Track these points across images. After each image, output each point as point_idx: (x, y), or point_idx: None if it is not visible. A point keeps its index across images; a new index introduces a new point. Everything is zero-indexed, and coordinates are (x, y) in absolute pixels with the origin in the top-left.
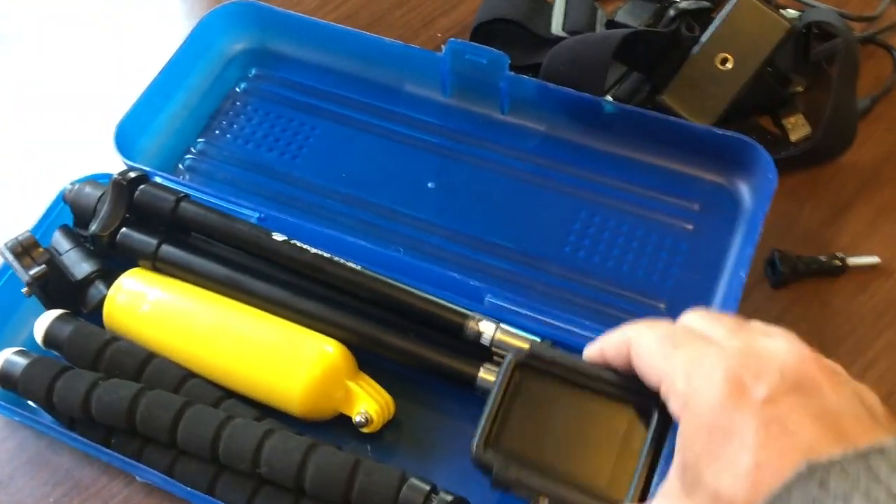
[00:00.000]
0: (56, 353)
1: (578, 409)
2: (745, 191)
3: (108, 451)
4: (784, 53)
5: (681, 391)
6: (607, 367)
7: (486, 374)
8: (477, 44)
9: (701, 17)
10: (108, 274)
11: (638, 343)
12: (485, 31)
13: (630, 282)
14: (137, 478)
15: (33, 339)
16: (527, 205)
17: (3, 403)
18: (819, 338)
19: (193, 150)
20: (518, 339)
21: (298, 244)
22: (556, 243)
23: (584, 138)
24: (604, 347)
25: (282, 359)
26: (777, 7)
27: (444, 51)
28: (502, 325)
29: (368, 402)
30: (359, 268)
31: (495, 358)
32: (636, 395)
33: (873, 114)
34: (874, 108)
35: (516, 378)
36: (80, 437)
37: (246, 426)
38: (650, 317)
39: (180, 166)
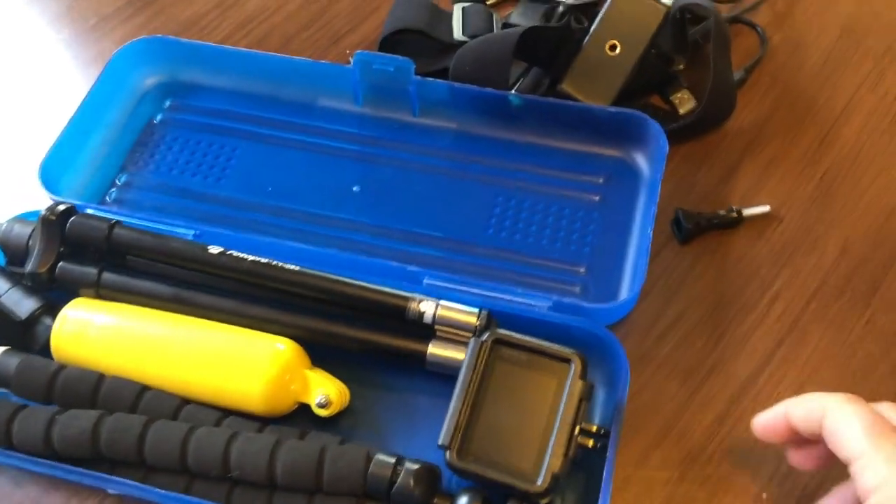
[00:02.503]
0: (3, 388)
1: (532, 386)
2: (641, 160)
3: (77, 469)
4: (664, 36)
5: (882, 474)
6: (785, 427)
7: (435, 349)
8: (382, 53)
9: (587, 11)
10: (53, 308)
11: (842, 418)
12: (391, 43)
13: (550, 252)
14: (109, 490)
15: None
16: (448, 196)
17: None
18: (727, 282)
19: (118, 183)
20: (458, 313)
21: (235, 254)
22: (480, 227)
23: (494, 131)
24: (792, 410)
25: (237, 363)
26: None
27: (352, 63)
28: (442, 302)
29: (326, 385)
30: (298, 268)
31: (438, 334)
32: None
33: (748, 83)
34: (748, 78)
35: (482, 360)
36: (44, 462)
37: (209, 436)
38: (569, 293)
39: (107, 199)
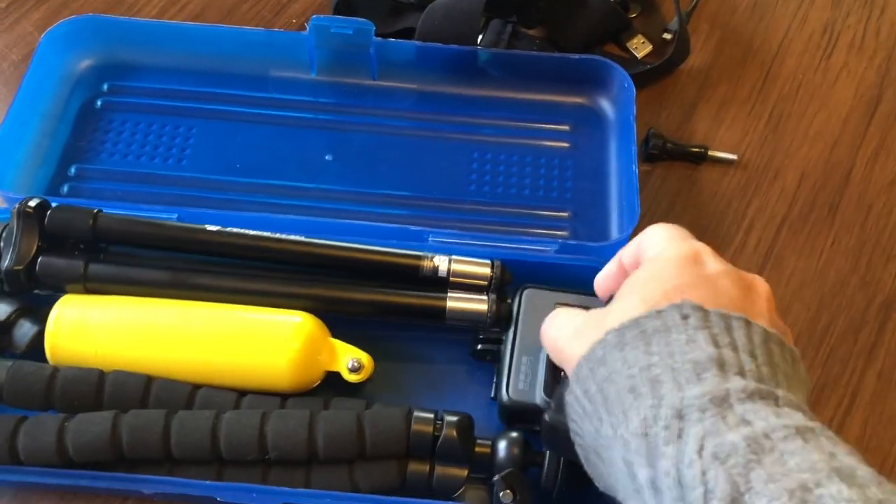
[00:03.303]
0: None
1: None
2: (606, 105)
3: (103, 474)
4: None
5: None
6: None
7: (454, 303)
8: (339, 16)
9: None
10: (30, 310)
11: (651, 232)
12: (344, 6)
13: (534, 201)
14: (145, 491)
15: None
16: (424, 157)
17: None
18: (705, 217)
19: (70, 175)
20: (472, 265)
21: (236, 230)
22: (461, 184)
23: (457, 88)
24: (622, 254)
25: (258, 341)
26: None
27: (308, 28)
28: (454, 256)
29: (354, 351)
30: (304, 238)
31: (453, 288)
32: None
33: (690, 27)
34: (689, 22)
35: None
36: (63, 472)
37: (240, 419)
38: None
39: (62, 193)
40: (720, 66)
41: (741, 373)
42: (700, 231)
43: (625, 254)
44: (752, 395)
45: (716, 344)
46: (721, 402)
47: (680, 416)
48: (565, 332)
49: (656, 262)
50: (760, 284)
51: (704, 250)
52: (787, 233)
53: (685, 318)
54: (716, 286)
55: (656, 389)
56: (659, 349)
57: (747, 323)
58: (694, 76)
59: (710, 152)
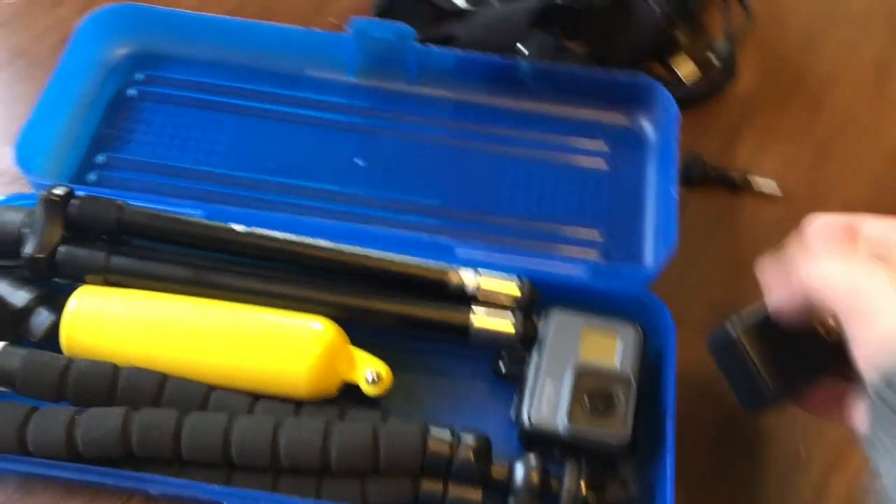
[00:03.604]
0: (4, 388)
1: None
2: (647, 125)
3: (112, 471)
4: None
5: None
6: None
7: (479, 321)
8: (381, 20)
9: None
10: (49, 298)
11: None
12: (386, 9)
13: (566, 218)
14: (151, 491)
15: None
16: (456, 167)
17: None
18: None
19: (98, 163)
20: (499, 283)
21: (263, 231)
22: (493, 196)
23: (495, 98)
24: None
25: (277, 346)
26: None
27: (349, 30)
28: (480, 271)
29: (373, 362)
30: (330, 244)
31: (477, 305)
32: None
33: (737, 51)
34: (737, 45)
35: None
36: (70, 465)
37: (253, 426)
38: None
39: (89, 181)
40: (766, 92)
41: None
42: (735, 262)
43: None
44: None
45: None
46: None
47: None
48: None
49: None
50: None
51: None
52: None
53: None
54: None
55: None
56: None
57: None
58: (739, 101)
59: (751, 181)
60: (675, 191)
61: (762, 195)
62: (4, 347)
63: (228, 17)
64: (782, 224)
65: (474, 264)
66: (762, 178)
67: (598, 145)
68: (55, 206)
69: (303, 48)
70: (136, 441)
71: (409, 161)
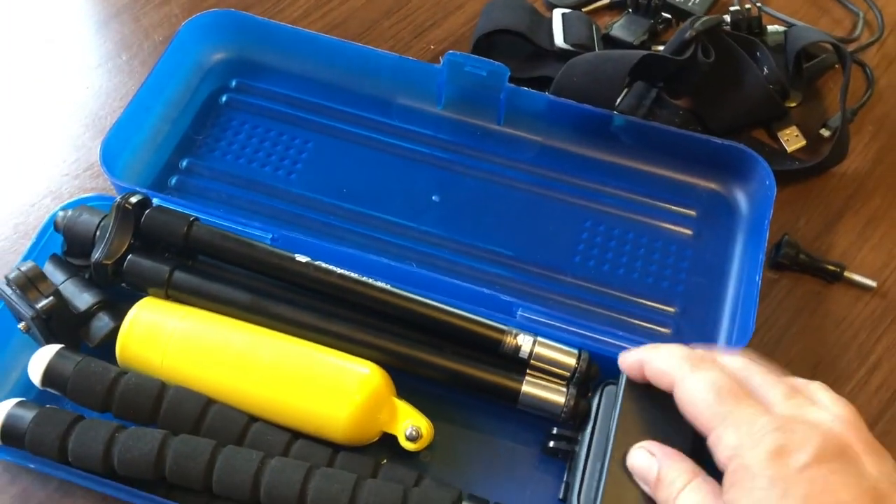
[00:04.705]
0: (54, 391)
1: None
2: (741, 197)
3: (141, 493)
4: (781, 68)
5: (732, 445)
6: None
7: (530, 388)
8: (476, 55)
9: (715, 40)
10: (111, 304)
11: (691, 389)
12: (484, 44)
13: (641, 288)
14: None
15: (20, 380)
16: (532, 215)
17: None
18: (827, 344)
19: (181, 168)
20: (557, 352)
21: (323, 265)
22: (566, 253)
23: (583, 148)
24: (647, 367)
25: (320, 385)
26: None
27: (442, 62)
28: (540, 339)
29: (415, 417)
30: (389, 287)
31: (531, 372)
32: None
33: (853, 127)
34: (853, 120)
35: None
36: (102, 480)
37: (285, 470)
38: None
39: (170, 185)
40: (878, 175)
41: None
42: (816, 360)
43: (650, 372)
44: None
45: None
46: None
47: None
48: None
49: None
50: (828, 410)
51: (794, 436)
52: None
53: None
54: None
55: None
56: None
57: None
58: (846, 183)
59: (846, 273)
60: (759, 277)
61: (856, 289)
62: (60, 351)
63: (325, 34)
64: (875, 323)
65: (534, 329)
66: (859, 276)
67: (686, 211)
68: (127, 214)
69: (394, 74)
70: (169, 467)
71: (485, 203)
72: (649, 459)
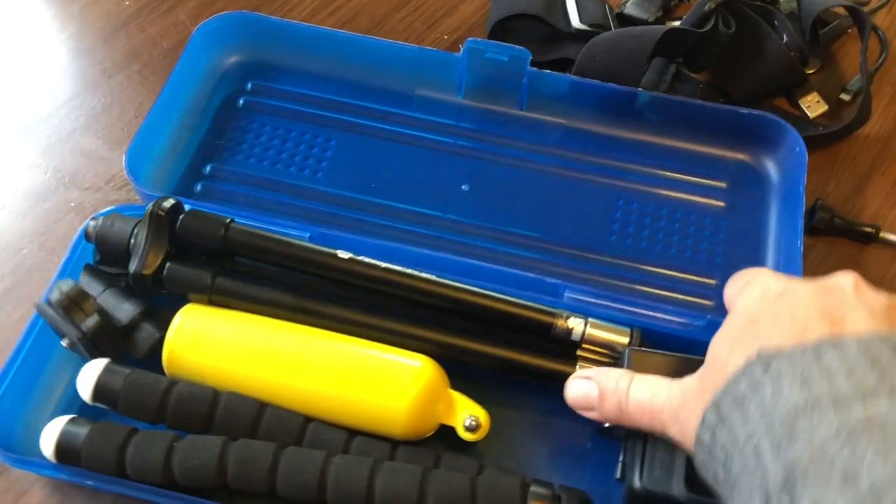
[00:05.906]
0: (105, 405)
1: None
2: (770, 166)
3: (198, 500)
4: (800, 34)
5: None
6: None
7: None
8: (495, 41)
9: (736, 12)
10: (152, 313)
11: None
12: (501, 29)
13: (680, 263)
14: None
15: (64, 395)
16: (563, 198)
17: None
18: None
19: (205, 174)
20: (609, 332)
21: (367, 260)
22: (602, 233)
23: (610, 128)
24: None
25: (377, 381)
26: None
27: (462, 50)
28: (591, 320)
29: (472, 407)
30: (435, 278)
31: (582, 353)
32: None
33: (871, 89)
34: (871, 82)
35: None
36: (163, 492)
37: (350, 467)
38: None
39: (195, 191)
40: None
41: (837, 403)
42: None
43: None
44: (852, 434)
45: (805, 383)
46: (820, 457)
47: (788, 488)
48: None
49: (732, 317)
50: (841, 279)
51: (767, 276)
52: None
53: (766, 367)
54: (792, 314)
55: (761, 461)
56: (753, 415)
57: (834, 340)
58: (870, 144)
59: (882, 234)
60: (801, 243)
61: (891, 249)
62: (107, 366)
63: (340, 30)
64: None
65: (582, 310)
66: (894, 236)
67: (717, 184)
68: (161, 221)
69: (414, 66)
70: (231, 473)
71: (516, 189)
72: (586, 382)
